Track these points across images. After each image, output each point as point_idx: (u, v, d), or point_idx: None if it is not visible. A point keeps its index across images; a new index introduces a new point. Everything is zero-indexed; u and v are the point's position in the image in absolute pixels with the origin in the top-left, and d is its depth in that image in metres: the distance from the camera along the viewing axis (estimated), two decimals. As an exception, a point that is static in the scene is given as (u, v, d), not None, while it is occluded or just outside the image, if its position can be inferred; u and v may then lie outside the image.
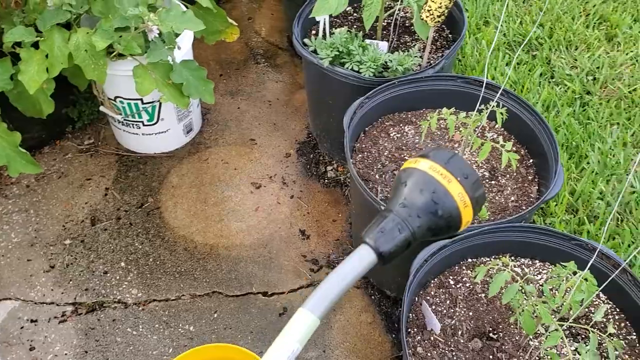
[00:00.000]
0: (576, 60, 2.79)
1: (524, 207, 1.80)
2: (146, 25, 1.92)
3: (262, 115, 2.72)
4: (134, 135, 2.43)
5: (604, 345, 1.46)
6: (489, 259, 1.69)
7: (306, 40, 2.19)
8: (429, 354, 1.48)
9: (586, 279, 1.31)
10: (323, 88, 2.23)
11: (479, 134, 2.00)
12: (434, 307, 1.58)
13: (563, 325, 1.34)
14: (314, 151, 2.54)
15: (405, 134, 2.02)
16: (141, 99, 2.23)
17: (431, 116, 1.78)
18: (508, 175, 1.90)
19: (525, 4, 3.14)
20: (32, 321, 2.02)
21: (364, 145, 1.98)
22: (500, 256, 1.68)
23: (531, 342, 1.49)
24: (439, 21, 1.98)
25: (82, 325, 2.00)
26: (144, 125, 2.37)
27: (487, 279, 1.63)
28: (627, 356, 1.47)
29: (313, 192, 2.40)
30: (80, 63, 1.99)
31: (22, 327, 2.00)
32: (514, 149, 1.95)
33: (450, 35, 2.38)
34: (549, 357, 1.30)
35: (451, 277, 1.65)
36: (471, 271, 1.66)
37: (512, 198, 1.84)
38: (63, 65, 2.00)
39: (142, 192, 2.39)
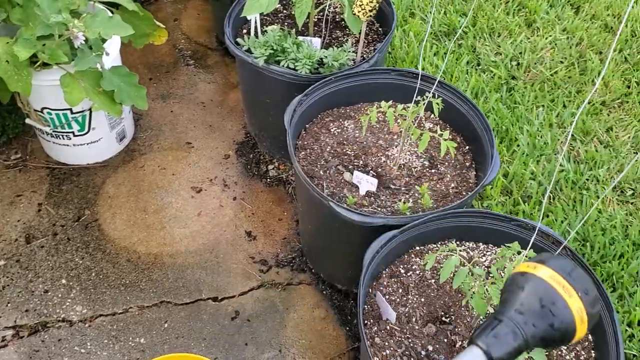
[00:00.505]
0: (500, 46, 2.91)
1: (464, 193, 1.86)
2: (71, 32, 1.85)
3: (196, 118, 2.68)
4: (65, 147, 2.34)
5: (549, 318, 1.54)
6: (435, 246, 1.73)
7: (239, 40, 2.16)
8: (386, 343, 1.51)
9: (530, 257, 1.37)
10: (259, 87, 2.22)
11: (417, 125, 2.04)
12: (387, 296, 1.61)
13: (512, 303, 1.40)
14: (254, 151, 2.52)
15: (345, 128, 2.04)
16: (70, 109, 2.15)
17: (370, 110, 1.80)
18: (447, 163, 1.96)
19: (448, -6, 3.23)
20: (-31, 350, 1.91)
21: (306, 143, 1.98)
22: (447, 242, 1.73)
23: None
24: (370, 15, 2.00)
25: (25, 348, 1.91)
26: (74, 135, 2.28)
27: (436, 265, 1.67)
28: (571, 327, 1.55)
29: (256, 192, 2.39)
30: (2, 75, 1.89)
31: (-42, 358, 1.90)
32: (451, 137, 2.01)
33: (380, 29, 2.41)
34: (501, 335, 1.35)
35: (401, 266, 1.69)
36: (420, 259, 1.70)
37: (453, 185, 1.90)
38: (-17, 78, 1.90)
39: (77, 205, 2.30)
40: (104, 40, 2.07)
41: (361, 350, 1.67)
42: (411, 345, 1.51)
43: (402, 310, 1.59)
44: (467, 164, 1.97)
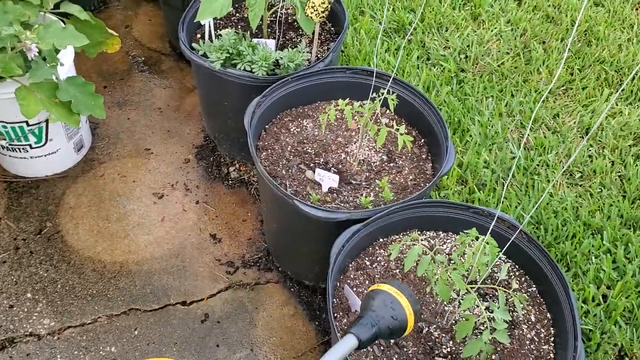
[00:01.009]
0: (448, 40, 2.99)
1: (422, 185, 1.92)
2: (24, 44, 1.83)
3: (154, 124, 2.67)
4: (22, 160, 2.30)
5: (510, 300, 1.62)
6: (398, 237, 1.79)
7: (194, 45, 2.18)
8: (357, 334, 1.56)
9: (488, 243, 1.44)
10: (217, 91, 2.23)
11: (374, 121, 2.10)
12: (355, 289, 1.66)
13: (473, 287, 1.47)
14: (214, 154, 2.54)
15: (304, 127, 2.08)
16: (26, 122, 2.12)
17: (328, 108, 1.85)
18: (404, 157, 2.02)
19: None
20: None
21: (266, 143, 2.02)
22: (409, 232, 1.80)
23: (446, 308, 1.62)
24: (323, 16, 2.05)
25: (-8, 366, 1.89)
26: (31, 148, 2.25)
27: (400, 255, 1.73)
28: (530, 307, 1.63)
29: (218, 194, 2.41)
30: (-47, 90, 1.86)
31: None
32: (407, 131, 2.07)
33: (332, 28, 2.46)
34: (464, 319, 1.42)
35: (367, 259, 1.74)
36: (384, 250, 1.76)
37: (411, 177, 1.96)
38: None
39: (38, 218, 2.27)
40: (57, 51, 2.05)
41: (332, 342, 1.72)
42: (380, 334, 1.56)
43: (370, 301, 1.64)
44: (424, 156, 2.04)
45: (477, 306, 1.47)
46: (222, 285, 2.14)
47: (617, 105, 2.74)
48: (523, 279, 1.69)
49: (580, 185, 2.42)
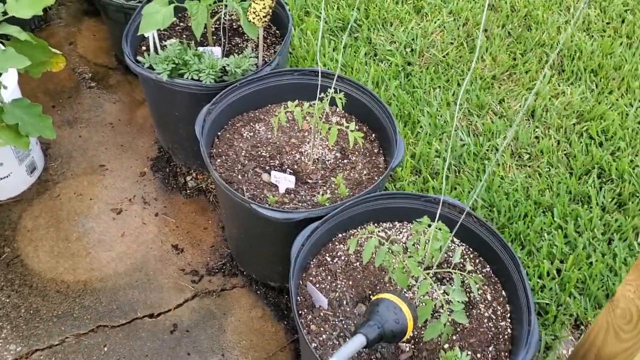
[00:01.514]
0: (393, 35, 3.06)
1: (376, 178, 1.97)
2: (-36, 69, 1.81)
3: (106, 139, 2.66)
4: (-27, 187, 2.27)
5: (466, 282, 1.68)
6: (356, 230, 1.84)
7: (139, 58, 2.18)
8: (321, 329, 1.59)
9: (440, 229, 1.50)
10: (166, 102, 2.24)
11: (324, 120, 2.14)
12: (317, 285, 1.70)
13: (429, 273, 1.52)
14: (169, 164, 2.54)
15: (257, 131, 2.11)
16: (-27, 147, 2.09)
17: (279, 111, 1.88)
18: (357, 152, 2.06)
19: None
20: None
21: (220, 150, 2.03)
22: (366, 225, 1.84)
23: (407, 295, 1.67)
24: (265, 21, 2.08)
25: (-41, 398, 1.86)
26: (-19, 174, 2.22)
27: (359, 248, 1.78)
28: (486, 287, 1.69)
29: (177, 205, 2.42)
30: None
31: None
32: (357, 127, 2.12)
33: (277, 32, 2.49)
34: (423, 303, 1.47)
35: (327, 255, 1.78)
36: (343, 245, 1.80)
37: (365, 172, 2.01)
38: None
39: (-5, 244, 2.25)
40: (-1, 74, 2.03)
41: (300, 339, 1.75)
42: (345, 326, 1.61)
43: (333, 295, 1.68)
44: (376, 150, 2.08)
45: (435, 290, 1.53)
46: (188, 294, 2.15)
47: (559, 86, 2.84)
48: (477, 260, 1.76)
49: (529, 166, 2.51)
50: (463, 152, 2.51)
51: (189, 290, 2.16)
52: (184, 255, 2.25)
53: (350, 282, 1.72)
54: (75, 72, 2.97)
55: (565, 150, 2.57)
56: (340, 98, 1.84)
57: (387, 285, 1.70)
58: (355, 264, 1.76)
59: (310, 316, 1.63)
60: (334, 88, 1.85)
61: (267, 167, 1.99)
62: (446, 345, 1.57)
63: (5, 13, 1.99)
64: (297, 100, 1.90)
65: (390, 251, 1.54)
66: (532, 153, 2.55)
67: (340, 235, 1.83)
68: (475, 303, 1.65)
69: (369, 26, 3.09)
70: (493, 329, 1.61)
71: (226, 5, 2.29)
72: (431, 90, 2.78)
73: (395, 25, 3.12)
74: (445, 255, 1.77)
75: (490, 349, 1.57)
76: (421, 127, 2.62)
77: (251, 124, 2.13)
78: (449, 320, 1.44)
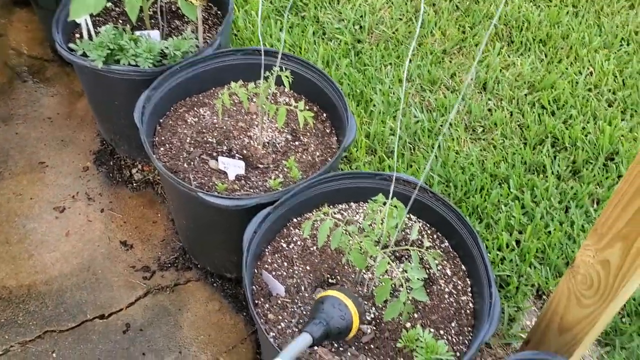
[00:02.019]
0: (341, 13, 2.98)
1: (329, 159, 1.91)
2: None
3: (45, 135, 2.51)
4: None
5: (424, 259, 1.63)
6: (311, 214, 1.77)
7: (72, 45, 2.05)
8: (279, 317, 1.53)
9: (395, 206, 1.44)
10: (104, 91, 2.12)
11: (272, 101, 2.06)
12: (274, 272, 1.63)
13: (387, 251, 1.46)
14: (113, 157, 2.42)
15: (202, 116, 2.01)
16: None
17: (222, 93, 1.79)
18: (308, 134, 1.99)
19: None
20: None
21: (163, 138, 1.93)
22: (321, 208, 1.78)
23: (365, 276, 1.61)
24: (203, 1, 1.97)
25: None
26: None
27: (314, 232, 1.71)
28: (445, 262, 1.65)
29: (124, 199, 2.30)
30: None
31: None
32: (307, 107, 2.05)
33: (219, 12, 2.39)
34: (382, 283, 1.42)
35: (282, 241, 1.71)
36: (299, 229, 1.73)
37: (317, 153, 1.94)
38: None
39: None
40: None
41: (258, 330, 1.68)
42: (304, 312, 1.54)
43: (290, 282, 1.61)
44: (328, 130, 2.02)
45: (394, 269, 1.47)
46: (140, 292, 2.05)
47: (509, 57, 2.82)
48: (435, 236, 1.71)
49: (484, 139, 2.48)
50: (417, 129, 2.47)
51: (141, 287, 2.06)
52: (134, 251, 2.15)
53: (308, 267, 1.65)
54: (8, 66, 2.80)
55: (518, 121, 2.55)
56: (286, 76, 1.76)
57: (345, 267, 1.64)
58: (311, 249, 1.69)
59: (267, 305, 1.56)
60: (280, 66, 1.77)
61: (215, 154, 1.90)
62: (408, 324, 1.52)
63: None
64: (240, 81, 1.82)
65: (346, 232, 1.47)
66: (486, 126, 2.53)
67: (295, 220, 1.76)
68: (435, 279, 1.61)
69: (315, 4, 3.01)
70: (454, 304, 1.57)
71: (163, -13, 2.18)
72: (382, 67, 2.73)
73: (342, 2, 3.05)
74: (403, 233, 1.72)
75: (453, 324, 1.53)
76: (374, 105, 2.56)
77: (195, 108, 2.03)
78: (408, 298, 1.39)
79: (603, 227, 1.27)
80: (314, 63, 2.64)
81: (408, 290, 1.36)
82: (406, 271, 1.40)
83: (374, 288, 1.58)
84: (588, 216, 2.21)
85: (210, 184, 1.80)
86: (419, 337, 1.42)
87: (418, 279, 1.38)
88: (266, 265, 1.65)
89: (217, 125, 1.98)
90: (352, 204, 1.80)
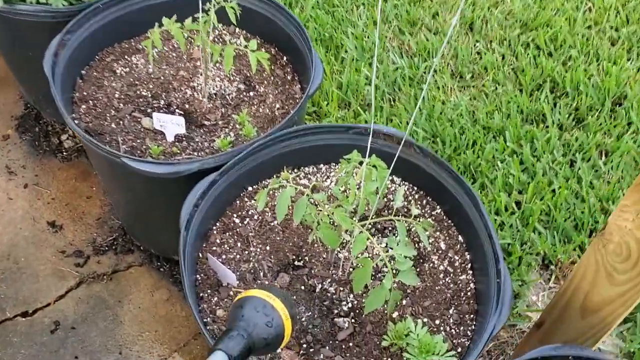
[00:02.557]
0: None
1: (291, 111, 1.56)
2: None
3: (-40, 100, 2.13)
4: None
5: (413, 230, 1.31)
6: (270, 180, 1.43)
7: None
8: (232, 314, 1.20)
9: (375, 166, 1.11)
10: (14, 40, 1.75)
11: (218, 42, 1.70)
12: (224, 256, 1.30)
13: (366, 224, 1.13)
14: (39, 123, 2.05)
15: (134, 66, 1.64)
16: None
17: (152, 32, 1.42)
18: (266, 82, 1.64)
19: None
20: None
21: (85, 93, 1.56)
22: (282, 172, 1.43)
23: (340, 255, 1.29)
24: None
25: None
26: None
27: (274, 203, 1.37)
28: (438, 233, 1.33)
29: (52, 171, 1.94)
30: None
31: None
32: (263, 49, 1.69)
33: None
34: (360, 265, 1.10)
35: (235, 215, 1.37)
36: (255, 200, 1.39)
37: (277, 105, 1.59)
38: None
39: None
40: None
41: (204, 336, 1.35)
42: (262, 306, 1.21)
43: (246, 266, 1.28)
44: (289, 77, 1.67)
45: (375, 246, 1.14)
46: (71, 282, 1.71)
47: (497, -6, 2.48)
48: (425, 201, 1.39)
49: (473, 86, 2.15)
50: (397, 77, 2.13)
51: (72, 276, 1.71)
52: (64, 233, 1.80)
53: (268, 248, 1.32)
54: None
55: (511, 64, 2.22)
56: (232, 7, 1.40)
57: (315, 246, 1.31)
58: (272, 224, 1.36)
59: (216, 298, 1.23)
60: (224, -4, 1.40)
61: (149, 110, 1.54)
62: (395, 314, 1.21)
63: None
64: (174, 17, 1.45)
65: (313, 202, 1.13)
66: (475, 71, 2.20)
67: (250, 188, 1.42)
68: (427, 255, 1.29)
69: (275, -60, 2.62)
70: (452, 285, 1.25)
71: None
72: (354, 8, 2.37)
73: (305, -63, 2.66)
74: (385, 199, 1.39)
75: (451, 311, 1.22)
76: (346, 51, 2.21)
77: (126, 57, 1.66)
78: (394, 282, 1.07)
79: (651, 182, 0.96)
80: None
81: (394, 273, 1.04)
82: (391, 248, 1.07)
83: (351, 271, 1.25)
84: (596, 170, 1.91)
85: (144, 147, 1.45)
86: (410, 333, 1.10)
87: (406, 257, 1.06)
88: (214, 248, 1.31)
89: (152, 76, 1.62)
90: (321, 166, 1.46)
